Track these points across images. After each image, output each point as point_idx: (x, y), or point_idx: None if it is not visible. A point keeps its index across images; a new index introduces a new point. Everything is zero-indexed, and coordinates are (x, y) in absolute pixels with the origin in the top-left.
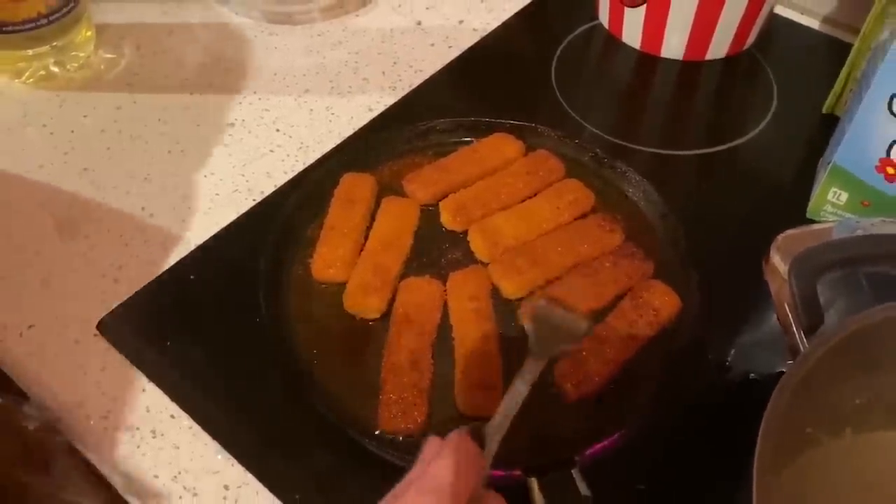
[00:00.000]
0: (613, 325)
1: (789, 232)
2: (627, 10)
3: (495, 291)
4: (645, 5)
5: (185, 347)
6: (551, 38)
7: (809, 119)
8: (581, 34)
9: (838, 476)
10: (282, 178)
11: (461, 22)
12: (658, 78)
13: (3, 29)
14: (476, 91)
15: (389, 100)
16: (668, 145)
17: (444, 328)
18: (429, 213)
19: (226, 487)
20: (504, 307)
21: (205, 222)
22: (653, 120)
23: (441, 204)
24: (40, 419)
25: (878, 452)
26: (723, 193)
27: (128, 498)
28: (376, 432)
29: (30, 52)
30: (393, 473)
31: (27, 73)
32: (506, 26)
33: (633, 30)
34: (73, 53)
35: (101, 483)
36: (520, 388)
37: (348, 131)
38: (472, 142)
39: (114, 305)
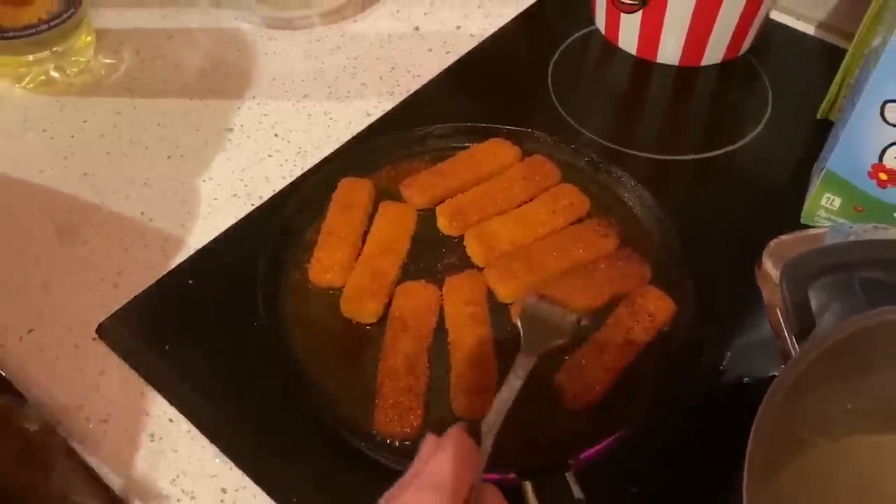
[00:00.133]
0: (611, 332)
1: (781, 238)
2: (624, 16)
3: (491, 296)
4: (641, 11)
5: (183, 351)
6: (548, 44)
7: (804, 124)
8: (578, 40)
9: (830, 480)
10: (280, 183)
11: (458, 27)
12: (654, 83)
13: (5, 35)
14: (473, 96)
15: (387, 105)
16: (663, 150)
17: (441, 332)
18: (426, 218)
19: (223, 491)
20: (500, 311)
21: (204, 227)
22: (649, 125)
23: (438, 209)
24: (40, 421)
25: (869, 456)
26: (718, 198)
27: (126, 501)
28: (373, 435)
29: (30, 57)
30: (389, 476)
31: (28, 79)
32: (503, 32)
33: (629, 35)
34: (74, 58)
35: (100, 485)
36: (513, 384)
37: (346, 136)
38: (468, 147)
39: (113, 309)
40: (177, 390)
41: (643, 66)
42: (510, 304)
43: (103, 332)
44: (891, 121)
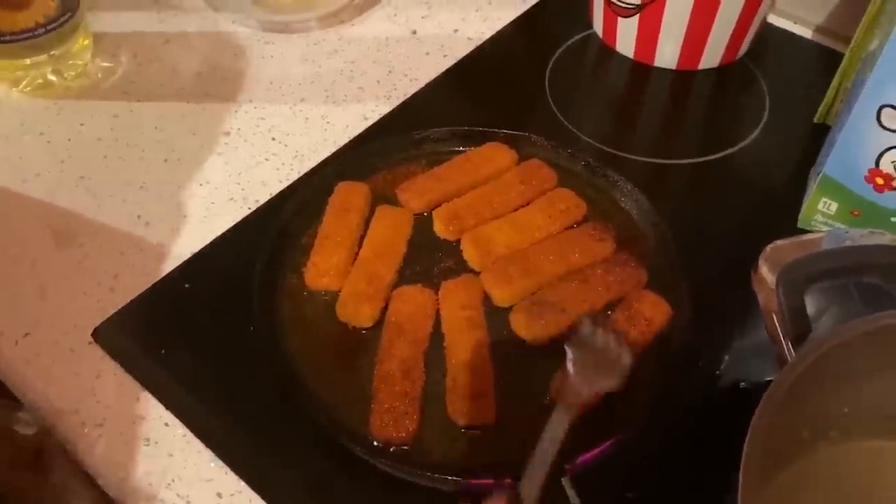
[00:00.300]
0: None
1: (777, 242)
2: (621, 20)
3: (487, 300)
4: (639, 15)
5: (179, 355)
6: (545, 48)
7: (801, 128)
8: (575, 43)
9: (826, 484)
10: (277, 187)
11: (456, 31)
12: (651, 87)
13: (2, 38)
14: (470, 100)
15: (384, 109)
16: (660, 154)
17: (437, 337)
18: (422, 222)
19: (219, 495)
20: (496, 315)
21: (200, 230)
22: (646, 129)
23: (434, 213)
24: (36, 425)
25: (864, 461)
26: (715, 202)
27: None
28: (368, 440)
29: (27, 61)
30: (385, 481)
31: (25, 82)
32: (500, 35)
33: (626, 39)
34: (71, 62)
35: (95, 489)
36: (548, 447)
37: (343, 140)
38: (465, 151)
39: (109, 313)
40: (172, 394)
41: (640, 70)
42: (506, 307)
43: (99, 336)
44: (887, 125)
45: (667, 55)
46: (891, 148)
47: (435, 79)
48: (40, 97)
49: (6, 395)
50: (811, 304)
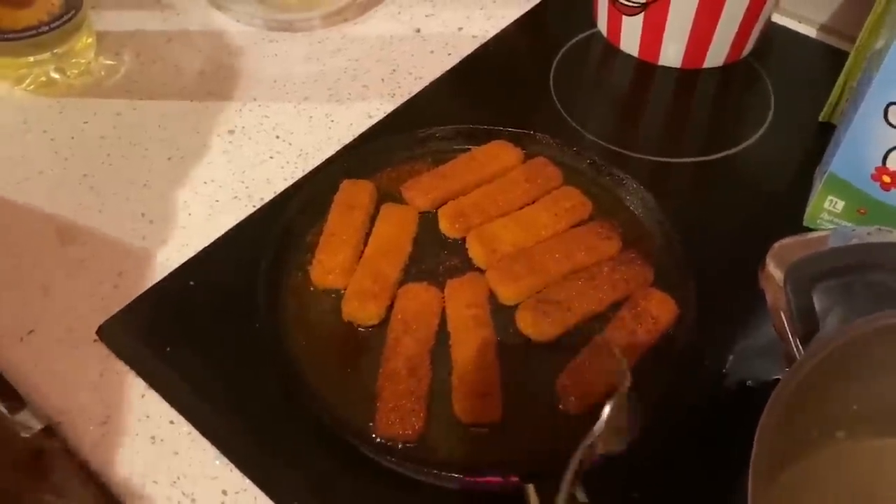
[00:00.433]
0: (614, 335)
1: (785, 240)
2: (626, 19)
3: (493, 298)
4: (643, 13)
5: (184, 353)
6: (550, 46)
7: (806, 127)
8: (579, 42)
9: (833, 483)
10: (281, 185)
11: (460, 29)
12: (656, 86)
13: (5, 36)
14: (475, 98)
15: (389, 107)
16: (665, 153)
17: (442, 335)
18: (427, 220)
19: (224, 493)
20: (502, 314)
21: (204, 228)
22: (650, 128)
23: (439, 211)
24: (39, 425)
25: (873, 460)
26: (720, 201)
27: (126, 503)
28: (374, 438)
29: (31, 58)
30: (390, 479)
31: (28, 80)
32: (505, 34)
33: (631, 38)
34: (74, 60)
35: (99, 489)
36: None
37: (348, 138)
38: (470, 149)
39: (113, 311)
40: (177, 392)
41: (645, 69)
42: (512, 306)
43: (104, 333)
44: (895, 123)
45: (671, 54)
46: None
47: (439, 77)
48: (43, 95)
49: (10, 393)
50: (818, 302)
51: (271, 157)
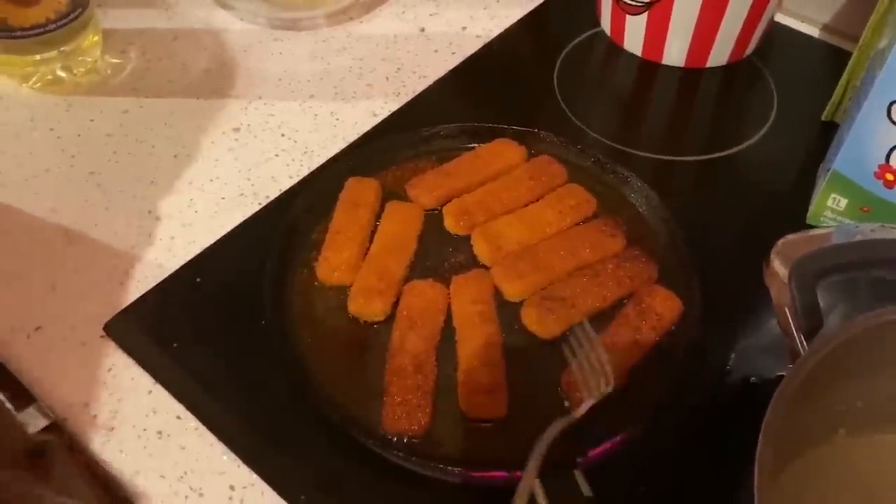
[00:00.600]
0: (618, 332)
1: (789, 237)
2: (629, 18)
3: (498, 294)
4: (647, 13)
5: (191, 349)
6: (554, 45)
7: (809, 126)
8: (583, 41)
9: (838, 478)
10: (287, 183)
11: (464, 28)
12: (659, 85)
13: (12, 34)
14: (479, 97)
15: (393, 105)
16: (669, 151)
17: (448, 331)
18: (432, 218)
19: (231, 488)
20: (507, 310)
21: (210, 226)
22: (654, 126)
23: (444, 208)
24: (46, 421)
25: (877, 456)
26: (724, 199)
27: (133, 498)
28: (381, 434)
29: (37, 56)
30: (396, 474)
31: (34, 78)
32: (508, 33)
33: (634, 37)
34: (81, 58)
35: (105, 485)
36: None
37: (353, 136)
38: (474, 147)
39: (120, 308)
40: (184, 388)
41: (648, 68)
42: (517, 302)
43: (111, 330)
44: None
45: (675, 53)
46: None
47: (443, 76)
48: (50, 93)
49: (18, 389)
50: (822, 299)
51: (277, 155)
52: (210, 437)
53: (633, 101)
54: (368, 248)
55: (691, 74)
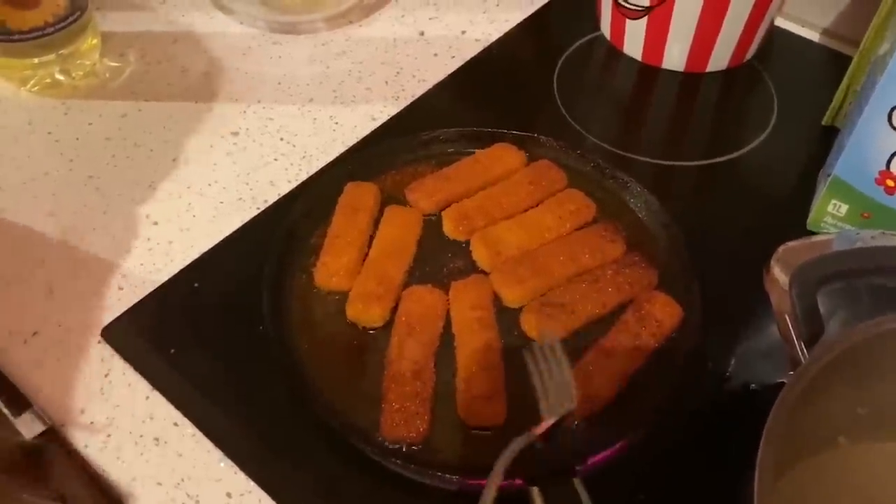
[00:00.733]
0: (618, 338)
1: (790, 244)
2: (629, 22)
3: (497, 300)
4: (647, 17)
5: (188, 355)
6: (553, 49)
7: (809, 131)
8: (583, 45)
9: (838, 486)
10: (285, 187)
11: (464, 32)
12: (659, 89)
13: (11, 37)
14: (478, 101)
15: (392, 109)
16: (669, 156)
17: (447, 337)
18: (432, 223)
19: (228, 495)
20: (506, 316)
21: (209, 230)
22: (654, 131)
23: (444, 213)
24: (43, 426)
25: (877, 464)
26: (724, 204)
27: None
28: (379, 440)
29: (36, 60)
30: (394, 482)
31: (33, 81)
32: (508, 37)
33: (634, 41)
34: (79, 61)
35: (102, 491)
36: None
37: (352, 140)
38: (474, 152)
39: (118, 313)
40: (182, 394)
41: (648, 72)
42: (517, 308)
43: (108, 335)
44: None
45: (675, 57)
46: None
47: (443, 80)
48: (48, 96)
49: (14, 394)
50: (822, 305)
51: (275, 160)
52: (207, 444)
53: (632, 105)
54: (367, 253)
55: (691, 79)
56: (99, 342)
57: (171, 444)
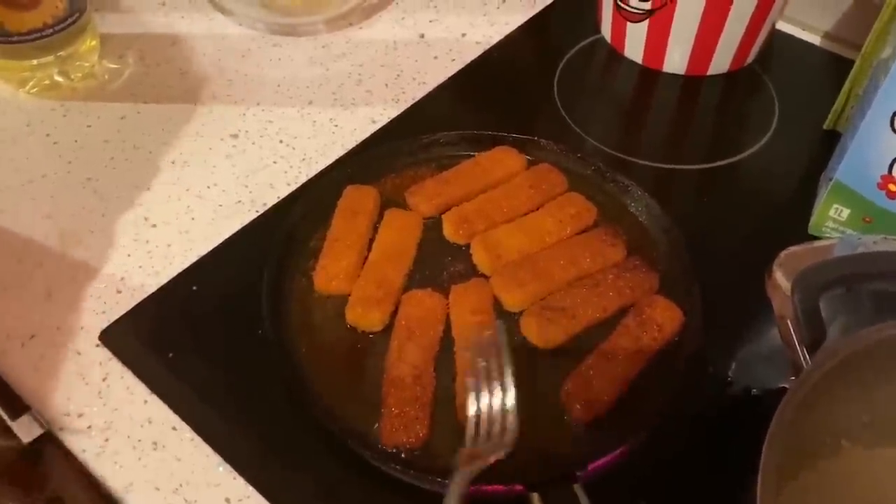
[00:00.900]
0: (619, 342)
1: (792, 249)
2: (630, 25)
3: (497, 304)
4: (648, 20)
5: (187, 358)
6: (554, 52)
7: (811, 135)
8: (583, 48)
9: (841, 492)
10: (285, 190)
11: (464, 35)
12: (660, 93)
13: (9, 39)
14: (479, 104)
15: (393, 112)
16: (670, 160)
17: (447, 341)
18: (431, 226)
19: (227, 501)
20: (506, 320)
21: (208, 233)
22: (655, 134)
23: (444, 217)
24: (40, 430)
25: (881, 470)
26: (725, 208)
27: None
28: (378, 445)
29: (34, 61)
30: (394, 486)
31: (31, 83)
32: (509, 40)
33: (635, 44)
34: (78, 63)
35: (100, 495)
36: None
37: (351, 143)
38: (474, 155)
39: (116, 316)
40: (180, 398)
41: (649, 75)
42: (517, 312)
43: (106, 338)
44: None
45: (676, 61)
46: None
47: (443, 83)
48: (47, 98)
49: (12, 398)
50: (823, 310)
51: (275, 162)
52: (206, 449)
53: (633, 109)
54: (367, 257)
55: (692, 82)
56: (97, 345)
57: (169, 449)
